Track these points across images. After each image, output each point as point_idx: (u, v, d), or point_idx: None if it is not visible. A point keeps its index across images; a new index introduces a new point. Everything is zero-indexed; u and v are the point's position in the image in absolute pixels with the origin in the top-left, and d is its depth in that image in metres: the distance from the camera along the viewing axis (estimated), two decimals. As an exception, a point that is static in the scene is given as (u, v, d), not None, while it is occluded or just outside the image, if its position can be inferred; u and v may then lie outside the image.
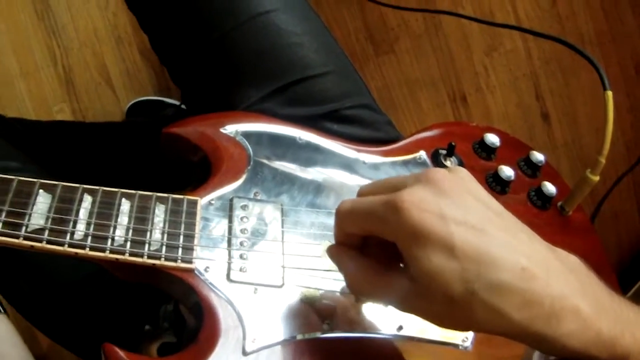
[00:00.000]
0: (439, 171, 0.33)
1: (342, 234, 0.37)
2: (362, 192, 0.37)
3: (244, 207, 0.45)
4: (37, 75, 1.21)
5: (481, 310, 0.29)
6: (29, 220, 0.38)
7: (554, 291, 0.30)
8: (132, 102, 1.19)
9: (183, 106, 1.16)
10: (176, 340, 0.48)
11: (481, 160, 0.56)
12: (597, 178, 0.53)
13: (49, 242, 0.38)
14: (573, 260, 0.33)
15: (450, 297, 0.30)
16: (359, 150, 0.53)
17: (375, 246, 0.36)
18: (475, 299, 0.29)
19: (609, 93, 0.53)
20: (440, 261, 0.30)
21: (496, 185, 0.54)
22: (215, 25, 0.57)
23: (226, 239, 0.43)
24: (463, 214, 0.31)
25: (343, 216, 0.35)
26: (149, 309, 0.55)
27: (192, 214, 0.42)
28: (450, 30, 1.25)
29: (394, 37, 1.23)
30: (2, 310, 0.51)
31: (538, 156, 0.57)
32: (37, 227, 0.38)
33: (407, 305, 0.33)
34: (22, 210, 0.38)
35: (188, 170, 0.52)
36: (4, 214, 0.37)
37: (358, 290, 0.36)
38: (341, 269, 0.36)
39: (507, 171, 0.53)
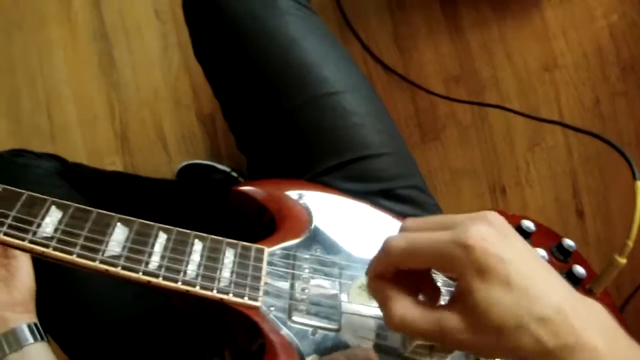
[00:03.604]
0: (493, 213, 0.37)
1: (390, 269, 0.38)
2: (410, 228, 0.39)
3: (305, 260, 0.49)
4: (94, 126, 1.26)
5: (526, 339, 0.33)
6: (106, 246, 0.41)
7: (579, 328, 0.33)
8: (184, 163, 1.23)
9: (233, 173, 1.20)
10: None
11: None
12: (624, 261, 0.55)
13: (124, 267, 0.41)
14: (597, 306, 0.36)
15: (501, 327, 0.33)
16: None
17: (401, 278, 0.38)
18: (522, 329, 0.33)
19: (639, 183, 0.57)
20: (498, 295, 0.33)
21: None
22: (286, 99, 0.62)
23: (289, 283, 0.46)
24: (517, 253, 0.35)
25: (400, 252, 0.37)
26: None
27: (259, 259, 0.46)
28: (495, 123, 1.29)
29: (442, 125, 1.27)
30: (41, 338, 0.54)
31: (569, 242, 0.60)
32: (114, 253, 0.41)
33: (455, 339, 0.35)
34: (100, 237, 0.41)
35: (241, 230, 0.56)
36: (82, 238, 0.41)
37: (411, 326, 0.37)
38: (391, 304, 0.37)
39: (540, 252, 0.57)
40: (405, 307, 0.36)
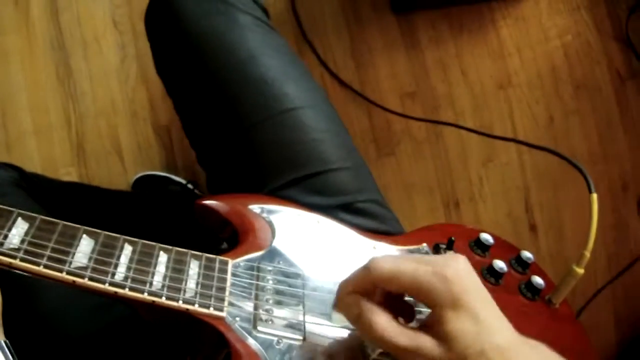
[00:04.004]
0: (462, 256, 0.42)
1: (369, 286, 0.41)
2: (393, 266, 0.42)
3: (269, 272, 0.50)
4: (49, 136, 1.25)
5: None
6: (72, 258, 0.41)
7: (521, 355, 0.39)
8: (139, 175, 1.23)
9: (189, 185, 1.20)
10: None
11: (476, 256, 0.61)
12: (582, 271, 0.58)
13: (90, 278, 0.41)
14: (542, 346, 0.41)
15: (467, 353, 0.38)
16: (369, 237, 0.60)
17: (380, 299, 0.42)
18: (483, 355, 0.38)
19: (594, 195, 0.59)
20: (467, 326, 0.38)
21: (490, 277, 0.58)
22: (246, 115, 0.62)
23: (253, 294, 0.47)
24: (482, 290, 0.40)
25: (385, 272, 0.40)
26: None
27: (223, 270, 0.47)
28: (450, 139, 1.31)
29: (397, 141, 1.29)
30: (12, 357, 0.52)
31: (527, 254, 0.62)
32: (80, 265, 0.42)
33: (428, 358, 0.39)
34: (66, 249, 0.42)
35: (198, 243, 0.56)
36: (49, 250, 0.41)
37: (390, 340, 0.40)
38: (374, 317, 0.40)
39: (500, 264, 0.58)
40: (387, 321, 0.40)
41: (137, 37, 1.26)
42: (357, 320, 0.41)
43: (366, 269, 0.41)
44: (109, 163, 1.24)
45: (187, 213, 1.09)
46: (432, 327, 0.39)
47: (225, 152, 0.65)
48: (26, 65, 1.26)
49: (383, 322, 0.40)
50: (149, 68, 1.26)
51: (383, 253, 0.58)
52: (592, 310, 1.36)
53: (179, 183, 1.22)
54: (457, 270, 0.40)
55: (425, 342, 0.39)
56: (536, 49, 1.40)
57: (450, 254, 0.42)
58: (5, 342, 0.51)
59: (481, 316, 0.39)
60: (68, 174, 1.24)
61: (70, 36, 1.26)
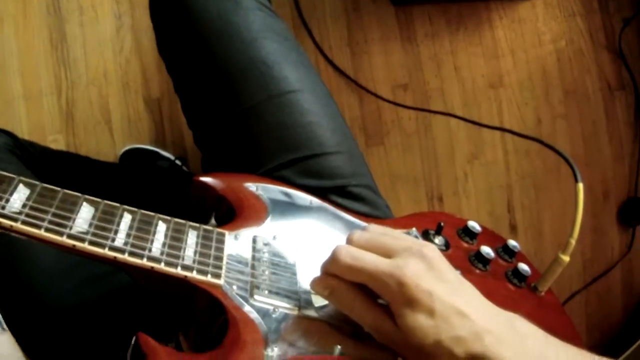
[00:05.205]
0: (430, 248, 0.43)
1: (335, 274, 0.44)
2: (357, 243, 0.45)
3: (265, 244, 0.51)
4: (39, 101, 1.24)
5: (441, 351, 0.40)
6: (73, 223, 0.42)
7: (488, 343, 0.40)
8: (128, 147, 1.22)
9: (177, 161, 1.20)
10: None
11: (464, 244, 0.62)
12: (567, 259, 0.59)
13: (91, 242, 0.42)
14: (517, 320, 0.43)
15: (422, 344, 0.40)
16: (361, 219, 0.61)
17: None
18: (439, 345, 0.40)
19: (580, 185, 0.60)
20: (422, 320, 0.40)
21: (478, 263, 0.60)
22: (246, 96, 0.63)
23: (250, 264, 0.49)
24: (443, 286, 0.41)
25: (346, 266, 0.43)
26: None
27: (220, 241, 0.48)
28: (439, 133, 1.33)
29: (386, 131, 1.30)
30: (5, 329, 0.52)
31: (514, 243, 0.63)
32: (81, 230, 0.42)
33: (389, 339, 0.43)
34: (67, 215, 0.42)
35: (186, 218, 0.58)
36: (50, 214, 0.41)
37: (357, 319, 0.44)
38: (340, 297, 0.44)
39: (487, 249, 0.59)
40: (355, 299, 0.43)
41: (134, 7, 1.25)
42: (329, 298, 0.44)
43: (331, 260, 0.44)
44: (97, 133, 1.23)
45: (175, 189, 1.10)
46: (394, 315, 0.42)
47: (222, 132, 0.65)
48: (20, 29, 1.25)
49: (350, 300, 0.43)
50: (144, 40, 1.26)
51: None
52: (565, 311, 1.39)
53: (167, 158, 1.22)
54: (415, 271, 0.41)
55: (388, 326, 0.42)
56: (530, 52, 1.41)
57: (415, 245, 0.43)
58: None
59: (437, 311, 0.40)
60: (55, 140, 1.23)
61: (66, 1, 1.25)
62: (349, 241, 0.45)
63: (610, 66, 1.47)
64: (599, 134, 1.45)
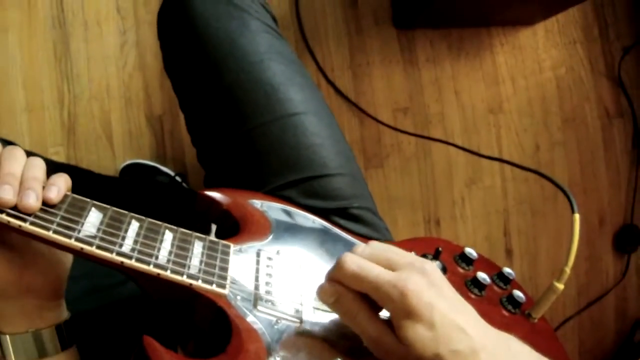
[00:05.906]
0: (431, 265, 0.44)
1: (340, 281, 0.45)
2: (362, 253, 0.45)
3: (269, 258, 0.52)
4: (41, 114, 1.24)
5: None
6: (81, 227, 0.43)
7: (484, 358, 0.41)
8: (128, 162, 1.23)
9: (177, 177, 1.21)
10: None
11: (461, 269, 0.63)
12: (562, 287, 0.59)
13: (98, 247, 0.42)
14: (512, 340, 0.44)
15: (421, 358, 0.41)
16: (361, 240, 0.62)
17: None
18: (438, 358, 0.40)
19: (577, 216, 0.60)
20: (422, 332, 0.41)
21: (474, 288, 0.61)
22: (251, 117, 0.64)
23: (254, 276, 0.49)
24: (443, 301, 0.42)
25: (350, 273, 0.44)
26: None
27: (226, 252, 0.49)
28: (438, 157, 1.34)
29: (385, 154, 1.31)
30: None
31: (509, 271, 0.64)
32: (89, 233, 0.43)
33: (388, 357, 0.43)
34: (76, 219, 0.43)
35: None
36: (59, 217, 0.42)
37: (359, 332, 0.44)
38: (344, 309, 0.44)
39: (483, 275, 0.61)
40: (358, 310, 0.44)
41: (139, 24, 1.26)
42: (333, 307, 0.45)
43: (336, 267, 0.45)
44: (98, 147, 1.24)
45: (174, 204, 1.10)
46: (394, 326, 0.42)
47: (227, 150, 0.66)
48: (24, 42, 1.26)
49: (354, 309, 0.44)
50: (148, 56, 1.26)
51: None
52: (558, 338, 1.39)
53: (167, 174, 1.22)
54: (417, 285, 0.42)
55: (389, 339, 0.42)
56: (529, 78, 1.43)
57: (417, 262, 0.44)
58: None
59: (437, 324, 0.41)
60: (57, 153, 1.24)
61: (72, 16, 1.26)
62: (354, 252, 0.46)
63: (609, 94, 1.48)
64: (596, 161, 1.45)
